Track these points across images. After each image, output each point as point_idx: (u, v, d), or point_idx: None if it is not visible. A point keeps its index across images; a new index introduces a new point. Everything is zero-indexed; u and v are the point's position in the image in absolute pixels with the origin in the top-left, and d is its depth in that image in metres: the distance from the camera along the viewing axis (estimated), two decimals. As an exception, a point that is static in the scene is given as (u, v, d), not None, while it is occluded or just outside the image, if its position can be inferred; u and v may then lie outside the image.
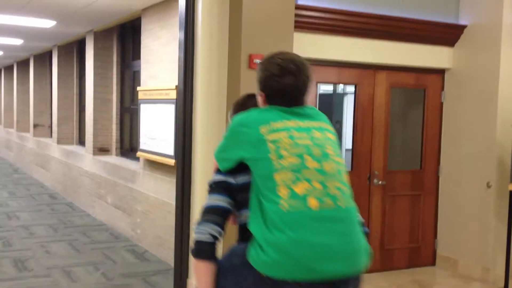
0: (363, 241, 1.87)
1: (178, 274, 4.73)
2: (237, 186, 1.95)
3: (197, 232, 1.93)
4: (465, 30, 5.51)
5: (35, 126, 12.90)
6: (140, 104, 6.54)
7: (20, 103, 15.12)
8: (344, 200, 1.85)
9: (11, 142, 16.18)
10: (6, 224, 7.68)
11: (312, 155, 1.87)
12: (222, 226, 1.93)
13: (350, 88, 5.95)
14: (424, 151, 5.72)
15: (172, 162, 5.60)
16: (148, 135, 6.32)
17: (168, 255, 5.80)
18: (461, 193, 5.55)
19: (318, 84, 5.22)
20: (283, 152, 1.86)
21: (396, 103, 5.65)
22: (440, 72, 5.71)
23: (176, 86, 5.33)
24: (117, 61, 8.50)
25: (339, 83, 5.72)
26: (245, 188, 1.91)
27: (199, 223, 1.95)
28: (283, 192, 1.80)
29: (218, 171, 2.03)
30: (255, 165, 1.89)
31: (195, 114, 4.62)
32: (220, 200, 1.95)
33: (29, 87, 13.79)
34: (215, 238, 1.90)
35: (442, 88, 5.73)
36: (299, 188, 1.80)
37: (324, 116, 2.10)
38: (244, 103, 2.21)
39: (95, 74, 8.50)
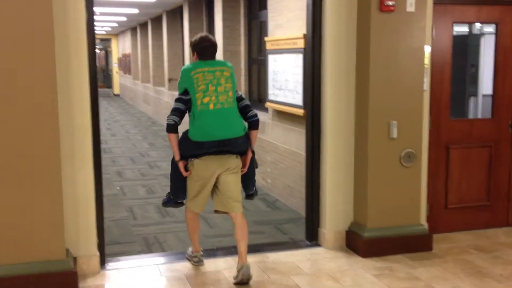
0: (238, 122, 3.88)
1: (309, 223, 4.79)
2: (186, 99, 3.88)
3: (167, 119, 3.90)
4: None
5: (169, 80, 13.55)
6: (267, 55, 6.56)
7: (155, 58, 15.93)
8: (227, 104, 3.82)
9: (149, 96, 17.21)
10: (149, 173, 8.25)
11: (212, 84, 3.81)
12: (180, 117, 3.89)
13: (488, 29, 5.46)
14: None
15: (301, 112, 5.59)
16: (276, 85, 6.35)
17: (298, 204, 5.88)
18: None
19: (454, 25, 4.85)
20: (199, 83, 3.81)
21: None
22: None
23: (304, 34, 5.26)
24: (244, 13, 8.56)
25: (477, 22, 5.27)
26: (189, 101, 3.86)
27: (169, 115, 3.89)
28: (198, 102, 3.80)
29: (179, 94, 3.96)
30: (189, 90, 3.86)
31: (324, 62, 4.53)
32: (179, 105, 3.90)
33: (163, 42, 14.45)
34: (176, 122, 3.87)
35: None
36: (205, 100, 3.79)
37: (226, 63, 4.00)
38: (196, 46, 3.98)
39: (224, 26, 8.66)
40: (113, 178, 7.90)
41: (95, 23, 4.07)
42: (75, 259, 3.96)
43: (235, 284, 3.94)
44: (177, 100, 3.93)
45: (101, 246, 4.19)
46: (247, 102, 4.10)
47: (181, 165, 3.95)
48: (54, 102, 3.60)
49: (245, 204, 6.37)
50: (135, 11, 14.11)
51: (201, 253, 4.32)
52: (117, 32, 26.34)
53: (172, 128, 3.87)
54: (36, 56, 3.53)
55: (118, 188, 7.23)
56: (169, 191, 4.22)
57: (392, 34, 4.34)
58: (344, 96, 4.53)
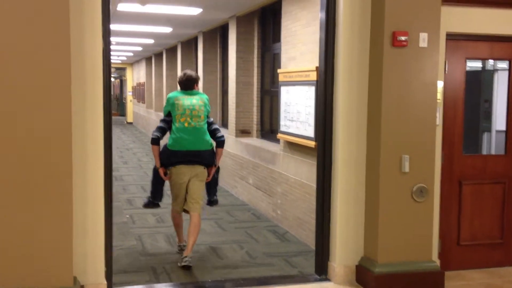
0: (205, 139, 5.09)
1: (319, 257, 4.73)
2: (168, 120, 5.12)
3: (152, 135, 5.12)
4: None
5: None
6: (280, 86, 6.60)
7: (169, 88, 16.07)
8: (198, 125, 5.02)
9: (162, 125, 17.29)
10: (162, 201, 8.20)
11: (188, 109, 5.02)
12: (162, 133, 5.13)
13: (502, 64, 5.46)
14: None
15: (312, 144, 5.59)
16: (288, 117, 6.37)
17: (307, 237, 5.83)
18: None
19: (467, 61, 4.87)
20: (179, 108, 5.02)
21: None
22: None
23: (316, 67, 5.30)
24: (258, 45, 8.66)
25: (490, 58, 5.28)
26: (171, 121, 5.09)
27: (153, 132, 5.12)
28: (177, 121, 5.01)
29: (164, 115, 5.19)
30: (171, 111, 5.06)
31: (336, 95, 4.55)
32: (162, 125, 5.16)
33: (177, 72, 14.60)
34: (158, 137, 5.09)
35: None
36: (182, 119, 5.00)
37: (201, 94, 5.23)
38: (179, 81, 5.30)
39: (237, 58, 8.75)
40: (123, 206, 7.89)
41: (111, 53, 4.13)
42: (82, 287, 3.93)
43: (180, 267, 5.03)
44: (161, 120, 5.24)
45: (108, 275, 4.16)
46: (216, 126, 5.34)
47: (161, 170, 5.21)
48: (68, 129, 3.62)
49: (254, 235, 6.37)
50: (150, 41, 14.32)
51: (184, 243, 5.40)
52: (132, 62, 26.69)
53: (155, 141, 5.15)
54: (52, 85, 3.56)
55: (127, 216, 7.22)
56: (149, 195, 5.60)
57: (405, 69, 4.36)
58: (356, 129, 4.53)
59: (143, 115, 22.97)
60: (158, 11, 8.52)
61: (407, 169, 4.38)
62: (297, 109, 6.09)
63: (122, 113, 31.92)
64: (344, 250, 4.60)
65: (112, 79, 40.73)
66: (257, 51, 8.67)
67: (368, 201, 4.54)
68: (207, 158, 5.16)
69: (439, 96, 4.57)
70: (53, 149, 3.59)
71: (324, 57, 4.60)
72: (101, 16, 3.94)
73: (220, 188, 9.57)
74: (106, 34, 4.02)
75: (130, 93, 28.16)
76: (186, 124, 5.00)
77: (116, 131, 21.95)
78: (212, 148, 5.22)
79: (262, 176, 7.48)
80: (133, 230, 6.51)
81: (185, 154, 5.03)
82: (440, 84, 4.57)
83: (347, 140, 4.53)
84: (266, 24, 8.50)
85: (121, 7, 8.24)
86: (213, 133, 5.22)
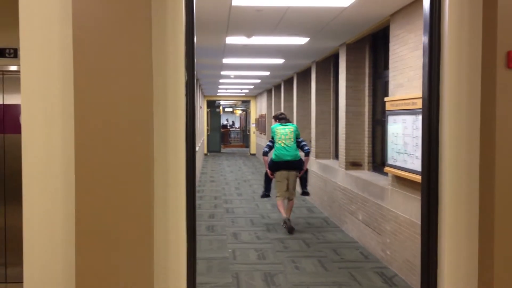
0: (295, 153, 8.57)
1: (425, 307, 4.17)
2: (273, 141, 8.69)
3: (263, 149, 8.88)
4: None
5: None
6: (387, 116, 6.13)
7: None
8: (291, 144, 8.55)
9: (280, 156, 17.21)
10: (265, 236, 8.01)
11: (284, 135, 8.56)
12: (269, 149, 8.74)
13: None
14: None
15: (420, 178, 5.05)
16: (395, 148, 5.87)
17: (418, 282, 5.24)
18: None
19: None
20: (278, 134, 8.61)
21: None
22: None
23: (422, 94, 4.81)
24: (369, 72, 8.24)
25: None
26: (274, 142, 8.67)
27: (264, 148, 8.89)
28: (277, 143, 8.59)
29: (271, 138, 8.81)
30: (274, 137, 8.68)
31: (442, 125, 4.03)
32: (269, 143, 8.78)
33: (293, 103, 14.49)
34: (267, 151, 8.74)
35: None
36: (280, 142, 8.56)
37: (291, 124, 8.81)
38: (276, 117, 8.87)
39: (347, 87, 8.38)
40: (228, 239, 7.77)
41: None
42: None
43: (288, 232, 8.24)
44: (269, 141, 8.67)
45: (192, 317, 3.95)
46: (305, 142, 8.71)
47: (269, 172, 8.62)
48: (150, 166, 3.51)
49: (358, 277, 5.85)
50: (266, 73, 14.39)
51: (286, 217, 8.44)
52: (256, 94, 27.20)
53: (265, 153, 8.63)
54: (134, 122, 3.49)
55: (230, 251, 7.06)
56: (263, 189, 9.16)
57: (524, 93, 3.75)
58: (466, 163, 3.95)
59: (264, 147, 23.15)
60: (266, 42, 8.46)
61: (529, 211, 3.72)
62: (404, 140, 5.58)
63: (247, 144, 32.55)
64: (455, 302, 4.00)
65: (240, 112, 42.04)
66: (368, 79, 8.24)
67: (482, 247, 3.92)
68: (297, 165, 8.48)
69: None
70: (134, 187, 3.49)
71: (428, 84, 4.11)
72: (184, 47, 3.83)
73: (329, 223, 9.21)
74: (190, 66, 3.90)
75: (253, 125, 28.64)
76: (282, 145, 8.43)
77: (238, 163, 22.35)
78: (301, 158, 8.54)
79: (371, 212, 6.98)
80: (232, 266, 6.31)
81: (283, 163, 8.41)
82: None
83: (456, 176, 3.96)
84: (378, 50, 8.06)
85: (229, 40, 8.29)
86: (302, 147, 8.54)
